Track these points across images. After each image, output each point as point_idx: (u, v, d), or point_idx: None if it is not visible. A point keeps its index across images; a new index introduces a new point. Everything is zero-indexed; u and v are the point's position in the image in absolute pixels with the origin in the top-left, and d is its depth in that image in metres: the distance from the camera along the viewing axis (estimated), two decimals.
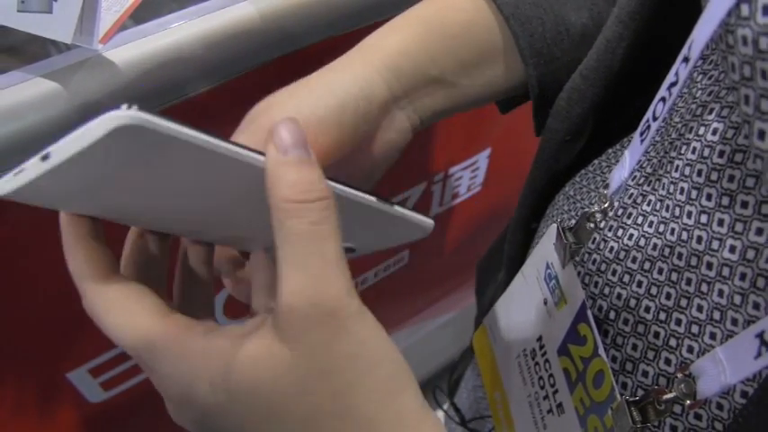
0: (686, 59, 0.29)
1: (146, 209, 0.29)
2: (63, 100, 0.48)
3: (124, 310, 0.28)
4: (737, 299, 0.28)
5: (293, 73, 0.60)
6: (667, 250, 0.31)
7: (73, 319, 0.60)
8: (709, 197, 0.30)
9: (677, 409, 0.30)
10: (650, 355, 0.32)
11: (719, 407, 0.29)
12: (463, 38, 0.39)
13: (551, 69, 0.40)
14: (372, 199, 0.31)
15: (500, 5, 0.39)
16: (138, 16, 0.53)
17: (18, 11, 0.46)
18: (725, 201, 0.29)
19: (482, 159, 0.87)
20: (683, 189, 0.31)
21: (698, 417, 0.30)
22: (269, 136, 0.26)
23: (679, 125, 0.33)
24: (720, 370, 0.27)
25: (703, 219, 0.30)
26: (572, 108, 0.40)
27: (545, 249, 0.37)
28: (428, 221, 0.35)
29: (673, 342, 0.31)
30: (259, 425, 0.27)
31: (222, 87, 0.55)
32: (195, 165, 0.25)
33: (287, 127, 0.26)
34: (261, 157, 0.26)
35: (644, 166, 0.34)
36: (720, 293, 0.29)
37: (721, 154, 0.29)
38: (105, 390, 0.69)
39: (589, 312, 0.33)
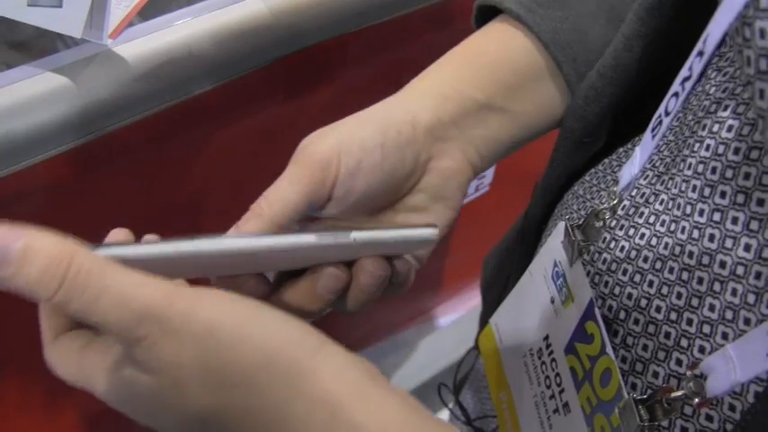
0: (701, 53, 0.29)
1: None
2: (72, 95, 0.49)
3: (60, 357, 0.29)
4: (751, 298, 0.28)
5: (302, 70, 0.60)
6: (678, 249, 0.31)
7: None
8: (723, 195, 0.29)
9: (688, 410, 0.30)
10: (661, 355, 0.31)
11: (732, 408, 0.28)
12: (503, 62, 0.39)
13: None
14: (312, 237, 0.31)
15: (538, 34, 0.39)
16: (146, 12, 0.53)
17: (28, 5, 0.46)
18: (740, 198, 0.29)
19: None
20: (695, 187, 0.31)
21: (709, 418, 0.29)
22: None
23: (692, 122, 0.32)
24: (731, 367, 0.26)
25: (716, 216, 0.30)
26: (588, 107, 0.39)
27: (553, 247, 0.36)
28: (426, 232, 0.34)
29: (684, 342, 0.31)
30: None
31: (231, 84, 0.55)
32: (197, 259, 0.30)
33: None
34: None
35: (656, 164, 0.34)
36: (734, 292, 0.29)
37: (737, 151, 0.29)
38: None
39: (597, 310, 0.33)
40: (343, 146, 0.34)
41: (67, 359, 0.28)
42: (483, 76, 0.38)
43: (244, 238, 0.31)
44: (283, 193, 0.33)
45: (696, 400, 0.28)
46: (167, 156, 0.59)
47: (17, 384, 0.61)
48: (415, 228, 0.33)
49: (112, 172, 0.56)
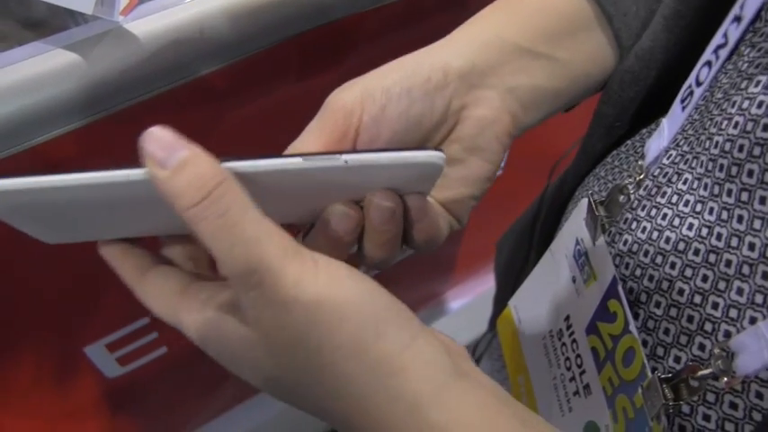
0: (738, 18, 0.27)
1: (98, 227, 0.31)
2: (83, 72, 0.48)
3: (155, 296, 0.30)
4: None
5: (315, 49, 0.59)
6: (705, 231, 0.30)
7: (91, 293, 0.60)
8: (750, 173, 0.29)
9: (711, 397, 0.29)
10: (683, 339, 0.31)
11: (759, 395, 0.27)
12: (549, 10, 0.37)
13: None
14: (298, 160, 0.28)
15: None
16: None
17: None
18: (767, 177, 0.28)
19: None
20: (722, 166, 0.30)
21: (733, 406, 0.28)
22: (142, 154, 0.25)
23: (721, 100, 0.31)
24: (763, 345, 0.25)
25: (744, 197, 0.29)
26: (624, 91, 0.38)
27: (575, 225, 0.36)
28: (429, 155, 0.29)
29: (708, 326, 0.30)
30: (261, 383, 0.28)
31: (243, 63, 0.55)
32: (88, 197, 0.27)
33: (151, 137, 0.25)
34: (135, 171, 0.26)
35: (680, 143, 0.33)
36: (765, 276, 0.28)
37: (766, 128, 0.28)
38: (122, 365, 0.69)
39: (620, 287, 0.32)
40: (366, 93, 0.33)
41: (161, 298, 0.29)
42: (526, 23, 0.36)
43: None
44: (307, 145, 0.32)
45: (725, 378, 0.27)
46: (184, 132, 0.58)
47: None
48: (417, 150, 0.29)
49: (124, 150, 0.56)
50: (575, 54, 0.37)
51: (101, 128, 0.51)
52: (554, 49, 0.36)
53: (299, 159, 0.27)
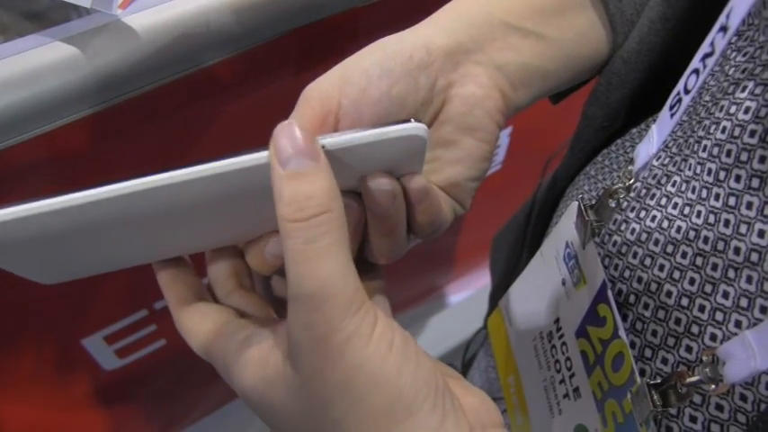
0: (724, 29, 0.27)
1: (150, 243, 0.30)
2: (81, 64, 0.48)
3: (192, 329, 0.31)
4: (767, 286, 0.27)
5: (318, 42, 0.59)
6: (692, 233, 0.30)
7: (89, 285, 0.61)
8: (738, 178, 0.28)
9: (697, 399, 0.29)
10: (671, 341, 0.31)
11: (743, 398, 0.28)
12: None
13: None
14: (263, 153, 0.26)
15: None
16: None
17: None
18: (755, 182, 0.28)
19: (503, 137, 0.86)
20: (710, 170, 0.30)
21: (719, 408, 0.28)
22: (271, 143, 0.25)
23: (709, 103, 0.31)
24: (750, 354, 0.25)
25: (731, 201, 0.29)
26: (611, 93, 0.38)
27: (565, 228, 0.35)
28: (410, 127, 0.27)
29: (695, 329, 0.30)
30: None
31: (242, 56, 0.55)
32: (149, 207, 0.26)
33: (286, 133, 0.25)
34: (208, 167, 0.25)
35: (669, 145, 0.33)
36: (749, 280, 0.28)
37: (753, 133, 0.28)
38: (120, 357, 0.70)
39: (609, 292, 0.32)
40: (344, 77, 0.31)
41: (198, 335, 0.30)
42: (516, 0, 0.35)
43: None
44: None
45: (713, 386, 0.27)
46: (178, 127, 0.58)
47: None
48: (397, 124, 0.27)
49: (122, 142, 0.56)
50: (564, 32, 0.36)
51: (99, 120, 0.51)
52: (543, 27, 0.35)
53: (265, 153, 0.25)
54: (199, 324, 0.30)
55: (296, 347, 0.25)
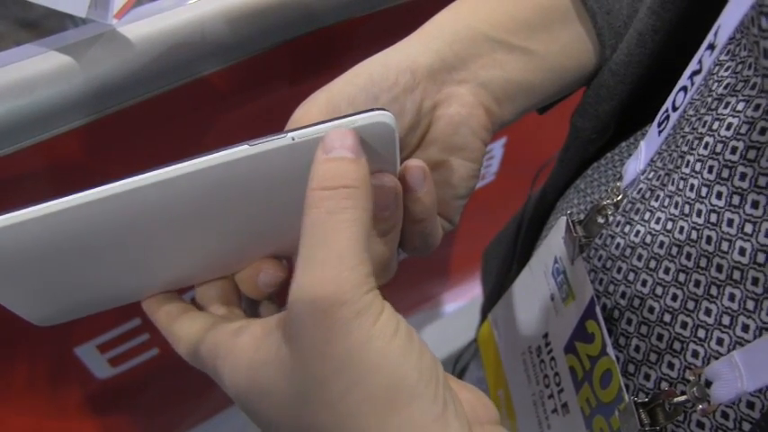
0: (711, 47, 0.27)
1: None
2: (76, 74, 0.48)
3: (180, 339, 0.31)
4: (750, 304, 0.27)
5: (314, 52, 0.59)
6: (675, 249, 0.30)
7: None
8: (719, 195, 0.28)
9: (680, 416, 0.29)
10: (653, 357, 0.31)
11: (725, 415, 0.28)
12: (523, 0, 0.36)
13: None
14: (243, 147, 0.26)
15: None
16: None
17: None
18: (735, 200, 0.28)
19: (497, 148, 0.86)
20: (693, 186, 0.30)
21: (700, 425, 0.28)
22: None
23: (693, 119, 0.31)
24: (737, 375, 0.25)
25: (713, 218, 0.29)
26: (600, 105, 0.38)
27: (554, 243, 0.36)
28: (374, 115, 0.27)
29: (677, 345, 0.30)
30: (265, 422, 0.27)
31: (238, 66, 0.55)
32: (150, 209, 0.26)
33: (337, 133, 0.26)
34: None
35: (654, 160, 0.33)
36: (732, 297, 0.28)
37: (734, 150, 0.28)
38: (113, 366, 0.69)
39: (598, 309, 0.32)
40: (331, 105, 0.32)
41: (188, 338, 0.30)
42: (500, 14, 0.35)
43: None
44: None
45: (700, 406, 0.27)
46: (172, 137, 0.58)
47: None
48: (361, 113, 0.27)
49: (117, 152, 0.56)
50: (550, 47, 0.36)
51: (93, 130, 0.51)
52: (528, 42, 0.35)
53: (244, 146, 0.26)
54: (188, 327, 0.30)
55: (298, 321, 0.24)
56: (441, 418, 0.24)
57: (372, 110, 0.27)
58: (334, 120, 0.27)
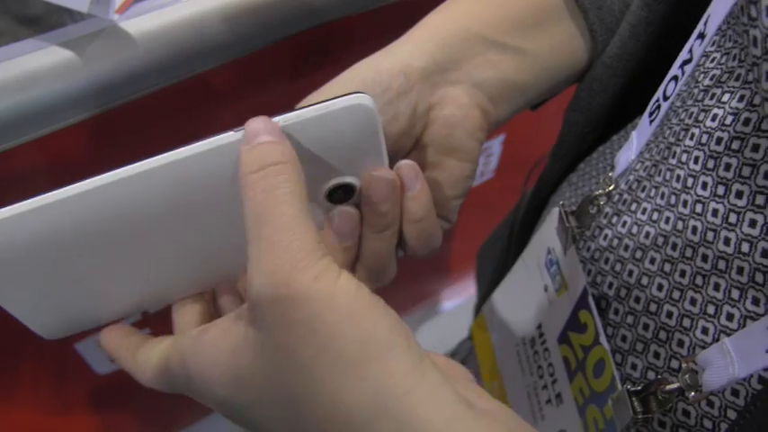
0: (702, 36, 0.28)
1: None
2: (77, 69, 0.48)
3: (144, 358, 0.31)
4: (735, 293, 0.27)
5: (313, 49, 0.59)
6: (661, 240, 0.30)
7: None
8: (704, 186, 0.29)
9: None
10: (639, 347, 0.31)
11: (710, 404, 0.28)
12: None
13: None
14: (230, 133, 0.26)
15: None
16: None
17: None
18: (720, 190, 0.28)
19: (496, 145, 0.86)
20: (679, 177, 0.30)
21: (710, 404, 0.28)
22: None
23: (680, 110, 0.31)
24: (728, 362, 0.25)
25: (698, 208, 0.29)
26: (593, 99, 0.38)
27: (547, 234, 0.36)
28: (353, 98, 0.27)
29: (663, 335, 0.30)
30: (247, 410, 0.26)
31: (238, 63, 0.55)
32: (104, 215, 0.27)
33: (255, 122, 0.26)
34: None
35: (643, 152, 0.33)
36: (717, 287, 0.28)
37: (719, 141, 0.28)
38: (113, 361, 0.69)
39: (590, 299, 0.32)
40: None
41: (148, 363, 0.30)
42: (492, 13, 0.35)
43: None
44: None
45: (692, 393, 0.27)
46: (173, 133, 0.59)
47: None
48: (338, 98, 0.27)
49: (118, 147, 0.56)
50: (542, 45, 0.36)
51: (94, 125, 0.51)
52: (520, 41, 0.35)
53: (231, 132, 0.26)
54: (150, 350, 0.30)
55: (258, 299, 0.24)
56: (418, 367, 0.23)
57: (348, 94, 0.27)
58: (304, 107, 0.27)
